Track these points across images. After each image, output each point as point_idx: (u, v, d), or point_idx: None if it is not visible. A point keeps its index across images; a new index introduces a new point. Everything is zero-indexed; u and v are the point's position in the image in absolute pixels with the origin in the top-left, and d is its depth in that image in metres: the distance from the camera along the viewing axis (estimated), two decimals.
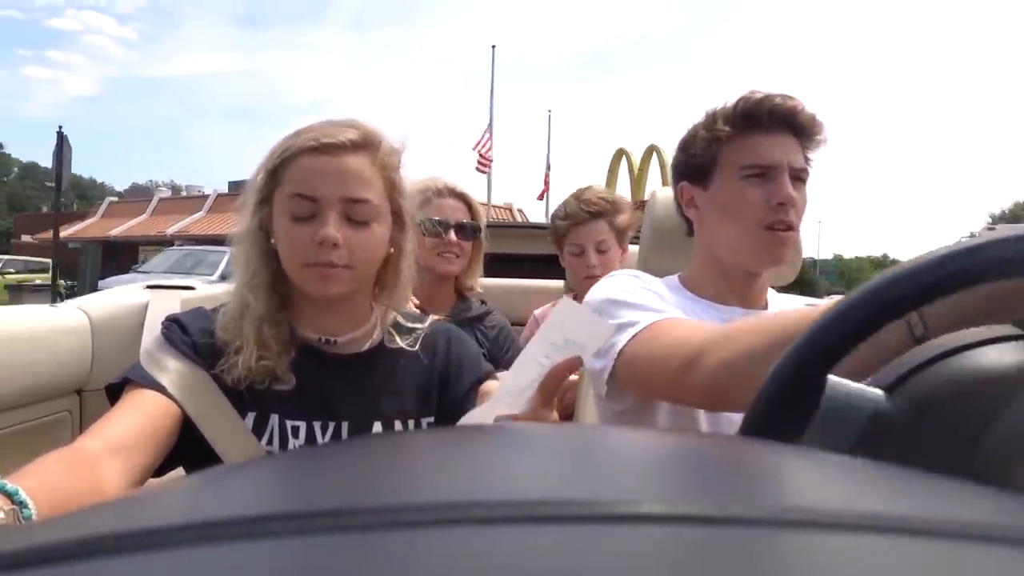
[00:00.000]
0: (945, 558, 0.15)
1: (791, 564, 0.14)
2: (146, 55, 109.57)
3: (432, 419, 0.91)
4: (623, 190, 15.56)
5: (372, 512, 0.16)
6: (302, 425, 0.84)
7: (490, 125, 17.28)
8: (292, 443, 0.84)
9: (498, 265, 2.50)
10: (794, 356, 0.42)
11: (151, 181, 64.49)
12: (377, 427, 0.87)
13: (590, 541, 0.14)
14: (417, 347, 0.92)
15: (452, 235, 1.49)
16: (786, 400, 0.41)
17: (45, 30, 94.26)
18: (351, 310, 0.89)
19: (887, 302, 0.39)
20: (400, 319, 0.94)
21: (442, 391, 0.92)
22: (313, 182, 0.80)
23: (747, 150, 0.89)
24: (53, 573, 0.14)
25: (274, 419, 0.84)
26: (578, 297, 1.64)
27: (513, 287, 2.24)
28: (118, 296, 1.30)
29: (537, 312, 1.73)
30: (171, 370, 0.81)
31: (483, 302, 1.63)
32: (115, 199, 32.04)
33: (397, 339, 0.91)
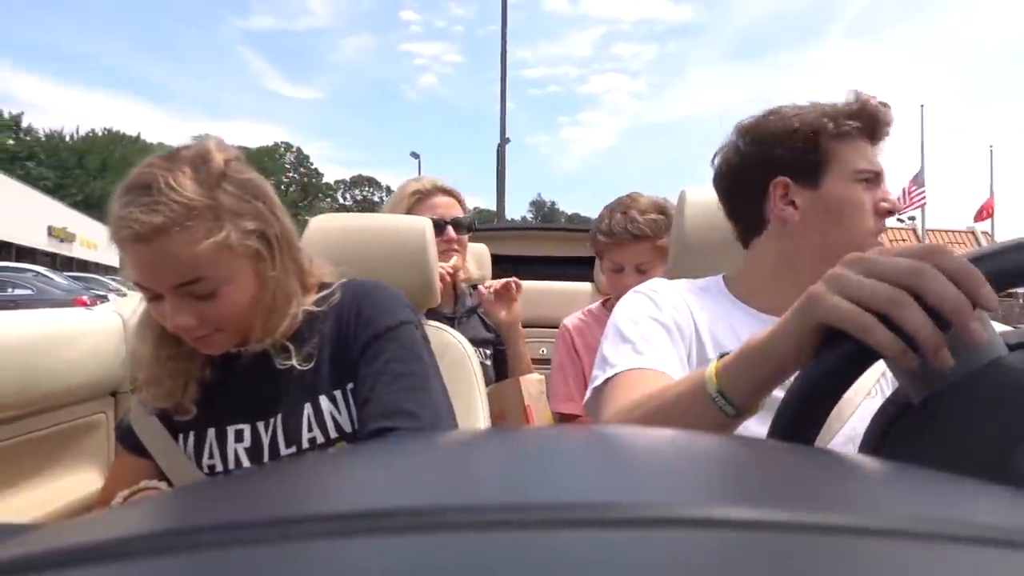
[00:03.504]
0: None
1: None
2: (654, 103, 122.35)
3: (352, 384, 0.88)
4: None
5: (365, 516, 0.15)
6: (246, 428, 0.87)
7: (918, 177, 18.82)
8: (236, 448, 0.87)
9: (526, 267, 2.49)
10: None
11: None
12: (307, 409, 0.86)
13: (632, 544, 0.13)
14: (311, 349, 0.87)
15: (450, 231, 1.48)
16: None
17: (577, 96, 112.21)
18: (255, 326, 0.85)
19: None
20: (310, 305, 0.89)
21: (347, 351, 0.88)
22: (141, 273, 0.77)
23: (861, 153, 0.86)
24: None
25: (211, 433, 0.87)
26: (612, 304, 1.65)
27: (541, 290, 2.22)
28: None
29: (567, 321, 1.62)
30: (144, 430, 0.90)
31: (474, 286, 1.61)
32: None
33: (292, 355, 0.85)
